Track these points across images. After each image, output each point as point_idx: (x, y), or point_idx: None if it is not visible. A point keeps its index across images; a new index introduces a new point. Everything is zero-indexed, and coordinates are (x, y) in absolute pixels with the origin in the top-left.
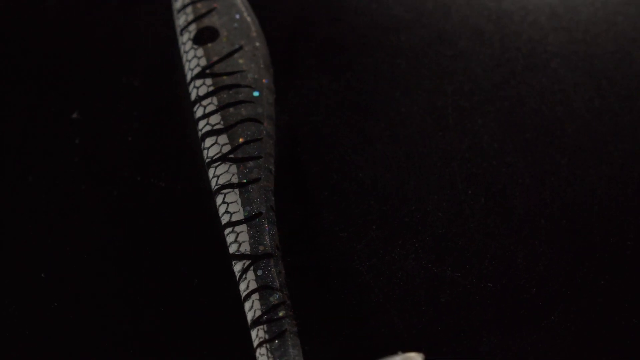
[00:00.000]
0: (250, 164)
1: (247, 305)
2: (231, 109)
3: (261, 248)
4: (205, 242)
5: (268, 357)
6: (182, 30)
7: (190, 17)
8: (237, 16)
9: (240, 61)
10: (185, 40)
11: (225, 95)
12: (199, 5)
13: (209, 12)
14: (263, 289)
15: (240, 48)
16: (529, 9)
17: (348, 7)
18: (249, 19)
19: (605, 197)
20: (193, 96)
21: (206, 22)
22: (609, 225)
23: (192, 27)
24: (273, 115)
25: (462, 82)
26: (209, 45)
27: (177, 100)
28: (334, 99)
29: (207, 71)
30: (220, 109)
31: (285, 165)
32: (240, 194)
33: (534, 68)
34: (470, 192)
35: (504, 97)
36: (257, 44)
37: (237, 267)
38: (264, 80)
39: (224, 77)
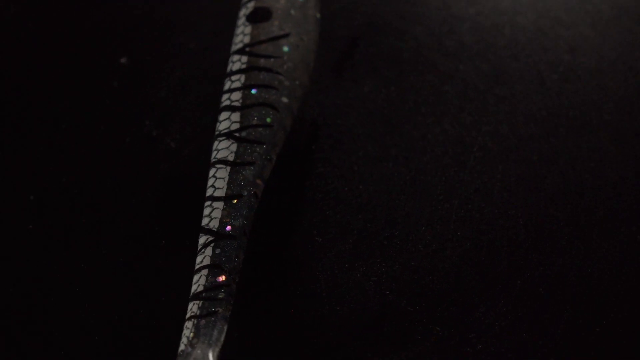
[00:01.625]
0: (251, 147)
1: (195, 277)
2: (253, 91)
3: (228, 229)
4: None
5: (191, 332)
6: (242, 4)
7: None
8: (297, 5)
9: (285, 49)
10: (241, 15)
11: (254, 76)
12: None
13: None
14: (214, 267)
15: (287, 35)
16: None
17: (419, 24)
18: (308, 11)
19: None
20: (228, 69)
21: (265, 2)
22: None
23: (251, 5)
24: (295, 109)
25: (499, 124)
26: (260, 25)
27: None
28: (367, 107)
29: (247, 49)
30: (244, 87)
31: (292, 159)
32: (231, 172)
33: (580, 133)
34: (459, 234)
35: (533, 150)
36: (305, 38)
37: (201, 240)
38: (298, 73)
39: (260, 59)
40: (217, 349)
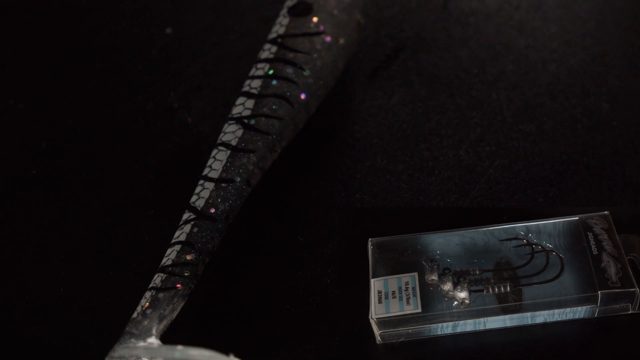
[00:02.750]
0: (256, 135)
1: (167, 250)
2: (274, 82)
3: (212, 210)
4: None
5: (147, 302)
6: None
7: None
8: (341, 7)
9: (318, 47)
10: (285, 6)
11: (279, 67)
12: None
13: None
14: (187, 245)
15: (322, 33)
16: None
17: (465, 46)
18: (351, 15)
19: None
20: (258, 56)
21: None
22: None
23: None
24: (313, 107)
25: (515, 161)
26: (299, 18)
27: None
28: (388, 119)
29: (279, 40)
30: (265, 76)
31: (298, 156)
32: (230, 156)
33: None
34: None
35: (540, 194)
36: (342, 40)
37: (184, 216)
38: (324, 74)
39: (289, 53)
40: (164, 324)
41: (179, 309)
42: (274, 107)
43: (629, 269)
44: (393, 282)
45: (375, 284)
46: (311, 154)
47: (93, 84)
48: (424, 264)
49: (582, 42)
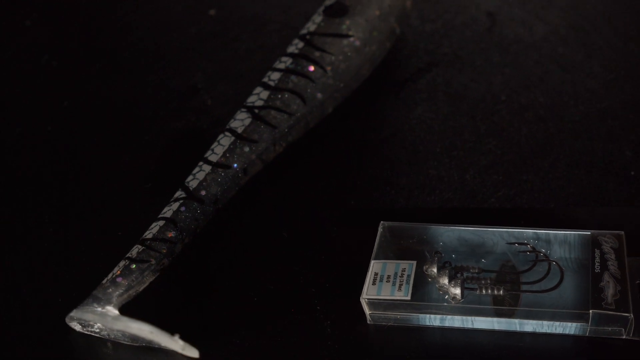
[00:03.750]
0: (262, 127)
1: (152, 224)
2: (293, 77)
3: (202, 192)
4: None
5: (118, 269)
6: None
7: None
8: (376, 14)
9: (345, 49)
10: (323, 4)
11: (301, 63)
12: None
13: None
14: (171, 222)
15: (351, 37)
16: None
17: (500, 73)
18: (387, 23)
19: None
20: (286, 49)
21: (348, 0)
22: None
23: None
24: (328, 108)
25: (519, 195)
26: (332, 19)
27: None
28: (402, 132)
29: (307, 37)
30: (287, 71)
31: (310, 152)
32: (232, 143)
33: None
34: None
35: None
36: (371, 46)
37: (176, 194)
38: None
39: (315, 51)
40: (128, 295)
41: (147, 282)
42: (286, 101)
43: (630, 293)
44: (391, 266)
45: (374, 266)
46: (319, 153)
47: (127, 53)
48: (427, 254)
49: (622, 86)
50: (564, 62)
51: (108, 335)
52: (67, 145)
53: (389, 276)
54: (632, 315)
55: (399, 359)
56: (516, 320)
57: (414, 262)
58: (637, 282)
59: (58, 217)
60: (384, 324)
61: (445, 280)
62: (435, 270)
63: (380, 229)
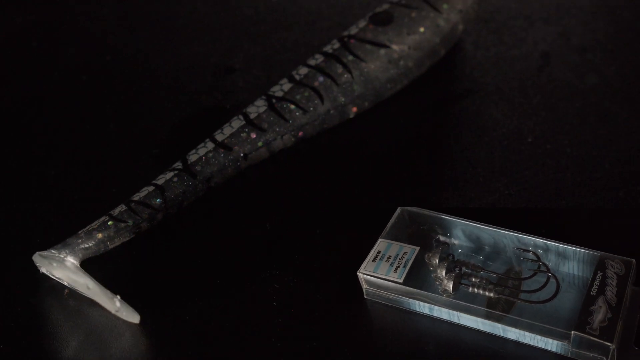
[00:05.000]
0: (274, 118)
1: (143, 188)
2: (320, 76)
3: (197, 168)
4: None
5: (97, 223)
6: (381, 4)
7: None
8: (420, 31)
9: (379, 59)
10: (370, 10)
11: (330, 64)
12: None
13: (409, 9)
14: (159, 190)
15: (387, 48)
16: None
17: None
18: (431, 43)
19: None
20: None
21: (397, 12)
22: None
23: (384, 6)
24: (349, 113)
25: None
26: (375, 27)
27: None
28: (422, 154)
29: (345, 39)
30: (315, 69)
31: (319, 152)
32: (241, 127)
33: None
34: None
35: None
36: (407, 61)
37: (175, 164)
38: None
39: (348, 55)
40: (98, 249)
41: (119, 242)
42: (305, 98)
43: (620, 322)
44: (395, 248)
45: (380, 244)
46: (328, 154)
47: (180, 20)
48: (433, 243)
49: None
50: (605, 117)
51: (68, 284)
52: (97, 100)
53: (389, 256)
54: (614, 346)
55: (382, 336)
56: (500, 325)
57: (417, 248)
58: None
59: (70, 169)
60: (378, 300)
61: (442, 272)
62: (436, 260)
63: (397, 213)
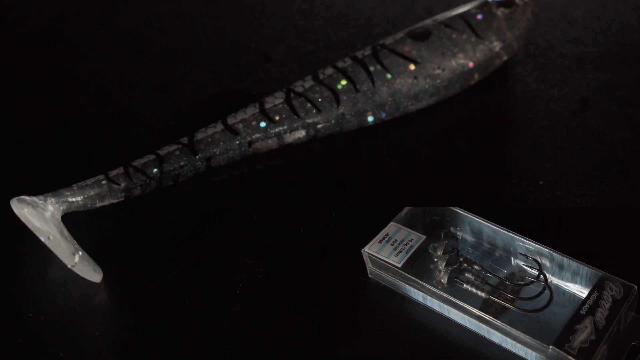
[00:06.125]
0: (285, 111)
1: (147, 155)
2: (343, 80)
3: (201, 146)
4: None
5: (93, 180)
6: (425, 19)
7: (440, 19)
8: (455, 53)
9: (404, 73)
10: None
11: (355, 70)
12: (451, 23)
13: (450, 30)
14: (159, 160)
15: (416, 63)
16: None
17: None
18: (461, 69)
19: None
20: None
21: (437, 30)
22: None
23: (427, 22)
24: (366, 121)
25: None
26: (410, 40)
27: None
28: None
29: (378, 47)
30: (340, 71)
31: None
32: (253, 114)
33: None
34: None
35: None
36: (437, 81)
37: (182, 138)
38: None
39: (376, 63)
40: (83, 204)
41: (107, 202)
42: (321, 98)
43: (602, 347)
44: (403, 233)
45: (390, 227)
46: (337, 165)
47: (233, 2)
48: (442, 234)
49: None
50: (627, 174)
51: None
52: (131, 63)
53: (395, 240)
54: None
55: (372, 315)
56: (484, 326)
57: (423, 237)
58: (634, 343)
59: (87, 123)
60: (380, 281)
61: (441, 265)
62: (440, 252)
63: (414, 209)
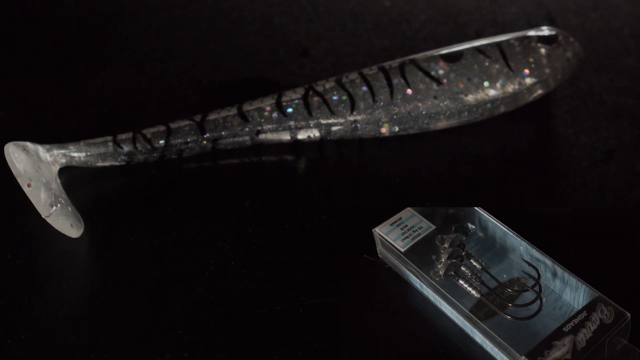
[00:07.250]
0: (299, 108)
1: (158, 125)
2: (363, 86)
3: (210, 126)
4: None
5: (100, 141)
6: (461, 44)
7: (478, 44)
8: (483, 81)
9: (425, 91)
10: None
11: (378, 79)
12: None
13: (484, 57)
14: (167, 132)
15: (440, 84)
16: None
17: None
18: (484, 97)
19: None
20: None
21: (470, 54)
22: None
23: (465, 46)
24: (380, 132)
25: None
26: (441, 59)
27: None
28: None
29: (407, 61)
30: (363, 78)
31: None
32: (268, 105)
33: None
34: None
35: None
36: (458, 104)
37: (196, 116)
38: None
39: (399, 77)
40: (83, 162)
41: (107, 163)
42: (338, 102)
43: None
44: (415, 220)
45: (405, 212)
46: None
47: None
48: (452, 227)
49: None
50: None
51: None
52: (169, 38)
53: (405, 225)
54: None
55: (371, 294)
56: (469, 324)
57: (433, 227)
58: None
59: (114, 85)
60: (386, 263)
61: (443, 257)
62: (446, 244)
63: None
